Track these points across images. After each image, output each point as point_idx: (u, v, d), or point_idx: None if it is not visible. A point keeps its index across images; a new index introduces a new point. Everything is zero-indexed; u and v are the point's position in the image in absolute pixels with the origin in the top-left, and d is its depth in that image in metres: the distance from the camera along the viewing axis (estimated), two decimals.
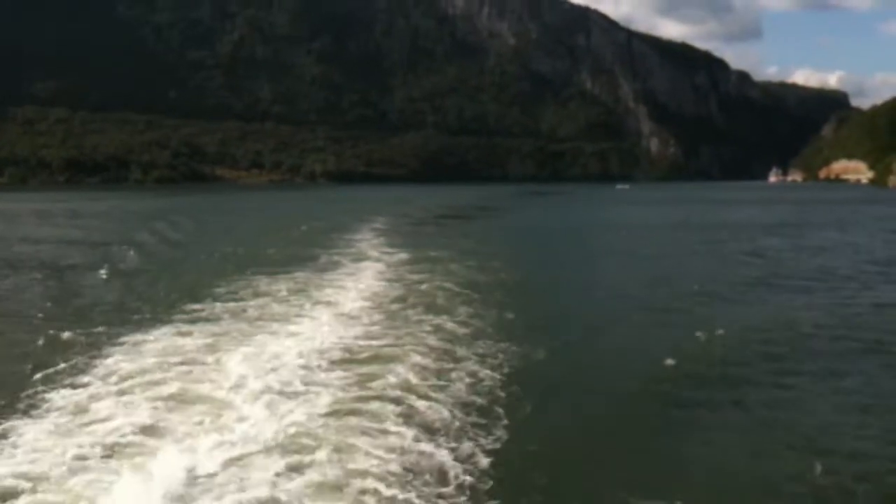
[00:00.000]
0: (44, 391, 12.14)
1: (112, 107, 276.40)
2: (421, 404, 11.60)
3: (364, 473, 9.10)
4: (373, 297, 21.01)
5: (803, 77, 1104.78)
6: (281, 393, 11.96)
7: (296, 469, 9.22)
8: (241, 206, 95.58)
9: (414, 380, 12.81)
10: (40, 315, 19.15)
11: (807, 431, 10.99)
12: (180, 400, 11.67)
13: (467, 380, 12.97)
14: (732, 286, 24.55)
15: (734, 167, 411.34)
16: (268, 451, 9.74)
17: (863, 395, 12.71)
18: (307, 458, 9.50)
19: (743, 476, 9.65)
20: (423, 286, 22.90)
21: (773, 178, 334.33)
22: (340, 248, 34.97)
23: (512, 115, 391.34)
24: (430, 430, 10.56)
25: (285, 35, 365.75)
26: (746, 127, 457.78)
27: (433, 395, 12.09)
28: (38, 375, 13.04)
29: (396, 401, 11.71)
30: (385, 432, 10.41)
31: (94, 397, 11.81)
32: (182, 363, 13.62)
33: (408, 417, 11.02)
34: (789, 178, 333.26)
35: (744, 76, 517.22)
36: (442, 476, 9.19)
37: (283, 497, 8.52)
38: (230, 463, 9.34)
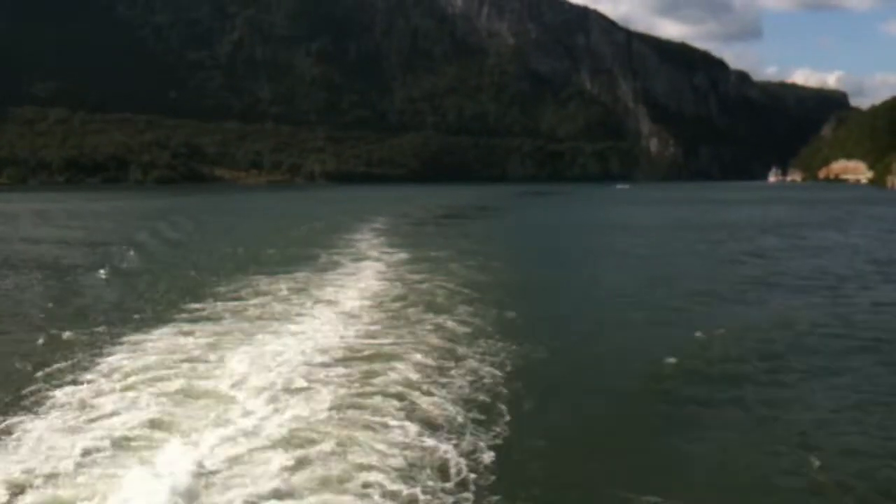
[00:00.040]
0: (48, 388, 12.20)
1: (112, 107, 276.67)
2: (422, 401, 11.69)
3: (368, 467, 9.20)
4: (373, 296, 21.08)
5: (803, 77, 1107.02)
6: (284, 389, 12.04)
7: (300, 463, 9.31)
8: (241, 207, 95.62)
9: (415, 377, 12.90)
10: (41, 315, 19.21)
11: (806, 430, 11.04)
12: (184, 396, 11.75)
13: (468, 377, 13.05)
14: (732, 286, 24.61)
15: (734, 167, 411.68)
16: (272, 445, 9.83)
17: (861, 394, 12.77)
18: (311, 453, 9.59)
19: (742, 473, 9.70)
20: (424, 286, 22.98)
21: (772, 178, 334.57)
22: (340, 248, 35.05)
23: (511, 115, 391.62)
24: (432, 426, 10.64)
25: (285, 35, 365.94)
26: (746, 127, 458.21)
27: (435, 391, 12.18)
28: (41, 374, 13.10)
29: (398, 397, 11.80)
30: (387, 428, 10.51)
31: (99, 394, 11.89)
32: (185, 361, 13.68)
33: (410, 413, 11.11)
34: (789, 178, 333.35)
35: (743, 76, 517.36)
36: (444, 471, 9.28)
37: (288, 490, 8.60)
38: (235, 456, 9.44)
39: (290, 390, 12.01)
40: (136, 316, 18.41)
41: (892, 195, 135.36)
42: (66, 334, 16.20)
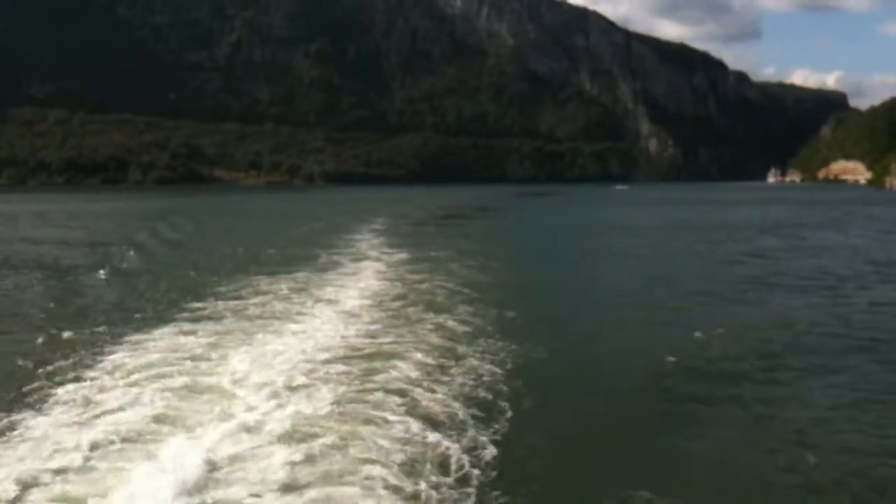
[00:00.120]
0: (51, 387, 12.27)
1: (111, 108, 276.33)
2: (423, 398, 11.78)
3: (370, 462, 9.32)
4: (373, 296, 21.15)
5: (802, 77, 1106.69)
6: (286, 386, 12.14)
7: (303, 457, 9.44)
8: (241, 207, 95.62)
9: (416, 375, 12.98)
10: (42, 315, 19.24)
11: (804, 428, 11.11)
12: (188, 392, 11.85)
13: (468, 376, 13.13)
14: (731, 286, 24.67)
15: (733, 168, 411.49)
16: (276, 440, 9.96)
17: (858, 392, 12.85)
18: (314, 447, 9.71)
19: (741, 471, 9.77)
20: (424, 286, 23.03)
21: (771, 179, 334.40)
22: (340, 248, 35.11)
23: (511, 116, 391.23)
24: (433, 423, 10.73)
25: (284, 36, 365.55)
26: (745, 127, 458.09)
27: (435, 389, 12.27)
28: (44, 372, 13.16)
29: (399, 394, 11.90)
30: (389, 423, 10.62)
31: (103, 391, 11.97)
32: (187, 359, 13.75)
33: (411, 410, 11.20)
34: (788, 179, 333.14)
35: (742, 77, 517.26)
36: (445, 466, 9.37)
37: (291, 483, 8.73)
38: (240, 451, 9.56)
39: (292, 387, 12.11)
40: (138, 315, 18.46)
41: (891, 196, 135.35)
42: (68, 334, 16.25)
